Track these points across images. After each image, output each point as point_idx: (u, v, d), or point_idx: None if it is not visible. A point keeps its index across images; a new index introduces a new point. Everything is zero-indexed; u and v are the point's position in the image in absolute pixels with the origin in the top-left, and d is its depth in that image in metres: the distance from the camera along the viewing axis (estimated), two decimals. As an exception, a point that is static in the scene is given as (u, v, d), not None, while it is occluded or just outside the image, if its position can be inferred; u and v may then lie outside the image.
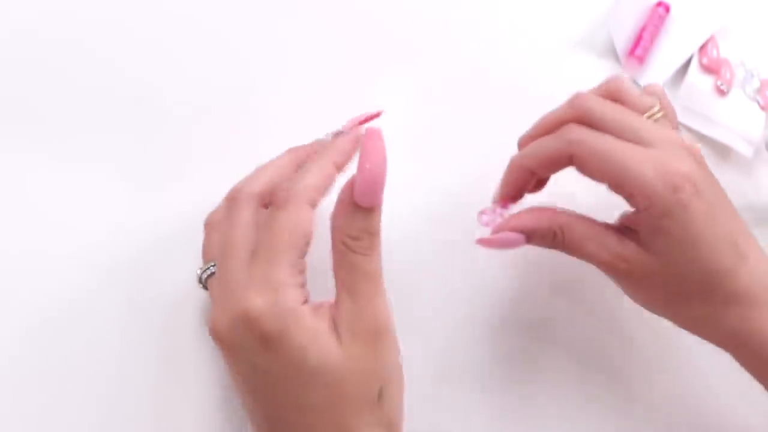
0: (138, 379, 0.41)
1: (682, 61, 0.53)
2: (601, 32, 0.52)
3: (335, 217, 0.34)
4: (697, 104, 0.52)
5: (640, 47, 0.52)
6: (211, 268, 0.37)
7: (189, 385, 0.41)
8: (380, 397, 0.33)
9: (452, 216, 0.45)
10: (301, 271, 0.34)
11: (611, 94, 0.40)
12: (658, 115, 0.39)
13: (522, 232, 0.38)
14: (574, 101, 0.39)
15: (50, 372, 0.41)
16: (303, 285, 0.34)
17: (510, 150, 0.48)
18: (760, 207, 0.52)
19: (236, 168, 0.40)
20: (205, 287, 0.38)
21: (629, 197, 0.37)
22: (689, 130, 0.52)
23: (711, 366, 0.45)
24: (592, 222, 0.39)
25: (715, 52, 0.53)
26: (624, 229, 0.39)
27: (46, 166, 0.44)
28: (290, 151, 0.40)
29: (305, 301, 0.33)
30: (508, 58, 0.51)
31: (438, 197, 0.46)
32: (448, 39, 0.51)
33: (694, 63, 0.53)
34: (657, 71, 0.52)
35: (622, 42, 0.52)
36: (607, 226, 0.39)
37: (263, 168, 0.39)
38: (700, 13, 0.54)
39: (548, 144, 0.38)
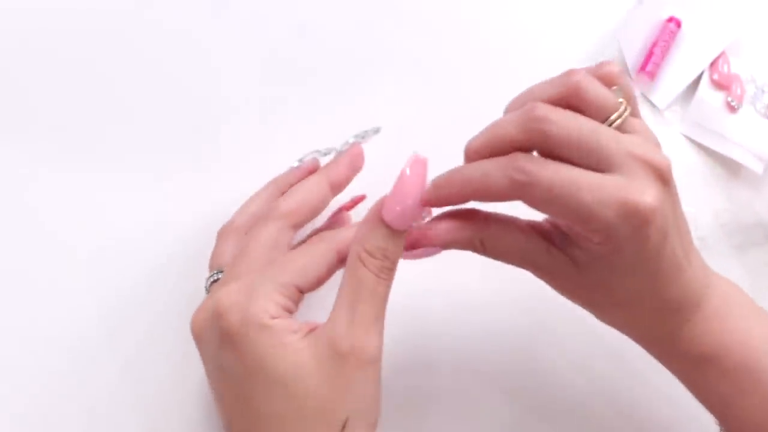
0: (145, 380, 0.41)
1: (693, 76, 0.53)
2: (612, 47, 0.52)
3: (359, 229, 0.33)
4: (708, 120, 0.52)
5: (651, 63, 0.52)
6: (216, 275, 0.37)
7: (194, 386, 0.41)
8: (344, 428, 0.31)
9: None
10: (290, 298, 0.32)
11: (569, 95, 0.33)
12: (626, 114, 0.34)
13: (440, 245, 0.35)
14: (528, 116, 0.33)
15: (57, 374, 0.41)
16: (287, 309, 0.32)
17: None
18: (770, 223, 0.52)
19: (248, 172, 0.42)
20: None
21: (585, 232, 0.33)
22: (699, 146, 0.52)
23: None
24: (516, 229, 0.35)
25: (726, 68, 0.53)
26: (554, 230, 0.35)
27: (52, 168, 0.44)
28: (273, 183, 0.41)
29: (278, 318, 0.32)
30: (518, 72, 0.51)
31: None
32: (456, 52, 0.51)
33: (705, 79, 0.53)
34: (667, 87, 0.52)
35: (633, 57, 0.52)
36: (534, 229, 0.35)
37: (249, 201, 0.41)
38: (712, 29, 0.54)
39: (492, 176, 0.33)
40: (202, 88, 0.47)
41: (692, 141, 0.52)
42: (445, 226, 0.35)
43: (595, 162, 0.32)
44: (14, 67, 0.46)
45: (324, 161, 0.41)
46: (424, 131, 0.48)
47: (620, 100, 0.34)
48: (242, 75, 0.48)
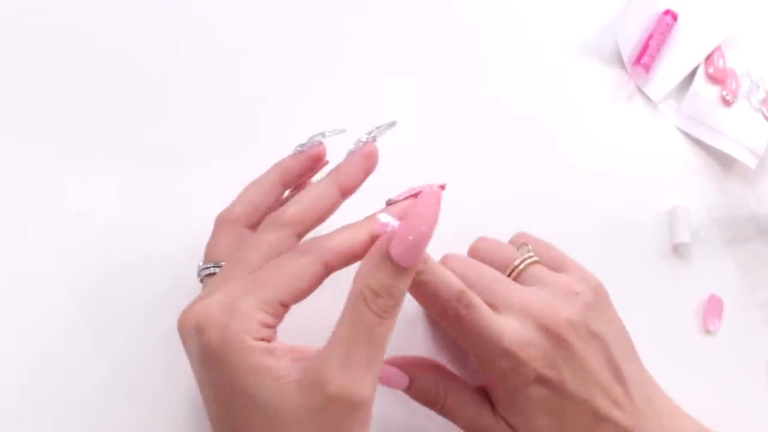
0: (130, 376, 0.41)
1: (689, 70, 0.53)
2: (608, 39, 0.52)
3: (363, 263, 0.31)
4: (702, 114, 0.52)
5: (646, 55, 0.51)
6: (211, 268, 0.37)
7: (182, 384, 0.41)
8: None
9: (457, 223, 0.45)
10: (274, 314, 0.31)
11: (477, 255, 0.41)
12: (524, 263, 0.40)
13: (408, 375, 0.38)
14: (445, 263, 0.39)
15: (47, 372, 0.40)
16: (268, 326, 0.31)
17: (514, 154, 0.48)
18: (763, 218, 0.52)
19: (240, 163, 0.40)
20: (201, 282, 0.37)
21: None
22: (693, 140, 0.52)
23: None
24: (472, 389, 0.39)
25: (721, 62, 0.53)
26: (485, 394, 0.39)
27: (42, 160, 0.44)
28: (275, 168, 0.39)
29: (261, 339, 0.30)
30: (514, 64, 0.51)
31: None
32: (453, 44, 0.50)
33: (700, 72, 0.53)
34: (663, 80, 0.52)
35: (629, 50, 0.52)
36: (484, 393, 0.39)
37: (249, 188, 0.38)
38: (708, 23, 0.53)
39: (446, 292, 0.36)
40: (192, 76, 0.47)
41: (686, 134, 0.52)
42: (415, 364, 0.38)
43: (492, 303, 0.37)
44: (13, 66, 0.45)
45: (329, 144, 0.40)
46: (425, 128, 0.48)
47: (526, 254, 0.40)
48: (239, 69, 0.47)
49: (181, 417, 0.41)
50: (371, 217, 0.33)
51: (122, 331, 0.41)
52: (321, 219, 0.35)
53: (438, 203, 0.30)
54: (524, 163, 0.49)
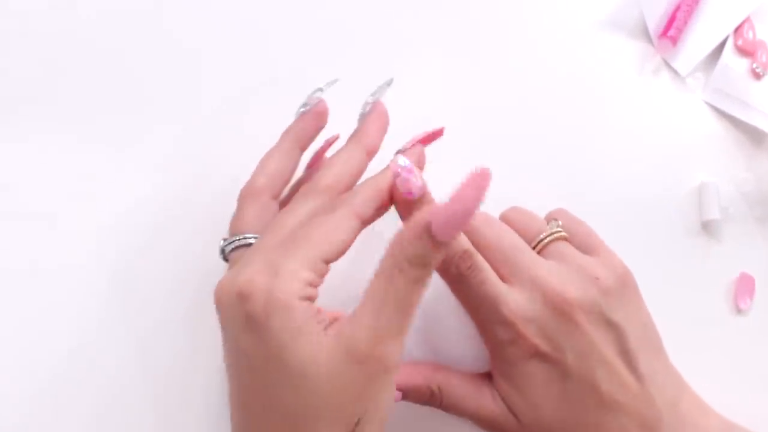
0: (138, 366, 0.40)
1: (717, 42, 0.51)
2: (633, 11, 0.51)
3: (400, 233, 0.31)
4: (731, 87, 0.50)
5: (673, 28, 0.50)
6: (237, 240, 0.36)
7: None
8: (356, 426, 0.31)
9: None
10: (317, 272, 0.31)
11: (506, 223, 0.40)
12: (550, 237, 0.39)
13: (397, 388, 0.37)
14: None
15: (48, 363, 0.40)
16: (312, 284, 0.31)
17: (538, 131, 0.47)
18: (793, 194, 0.50)
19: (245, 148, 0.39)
20: (226, 259, 0.37)
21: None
22: (722, 114, 0.50)
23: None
24: (468, 379, 0.38)
25: (750, 34, 0.51)
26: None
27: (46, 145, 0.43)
28: (287, 134, 0.39)
29: (307, 299, 0.31)
30: (536, 37, 0.50)
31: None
32: (473, 18, 0.49)
33: (729, 45, 0.51)
34: (690, 53, 0.51)
35: (655, 22, 0.51)
36: (483, 381, 0.39)
37: (267, 158, 0.38)
38: (736, -7, 0.52)
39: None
40: (200, 80, 0.46)
41: (715, 108, 0.50)
42: (403, 371, 0.38)
43: (507, 273, 0.37)
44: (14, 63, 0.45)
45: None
46: (446, 102, 0.47)
47: (554, 228, 0.39)
48: (254, 59, 0.47)
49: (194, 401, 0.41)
50: (388, 167, 0.34)
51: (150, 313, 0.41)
52: (353, 182, 0.35)
53: (487, 183, 0.30)
54: (549, 140, 0.48)
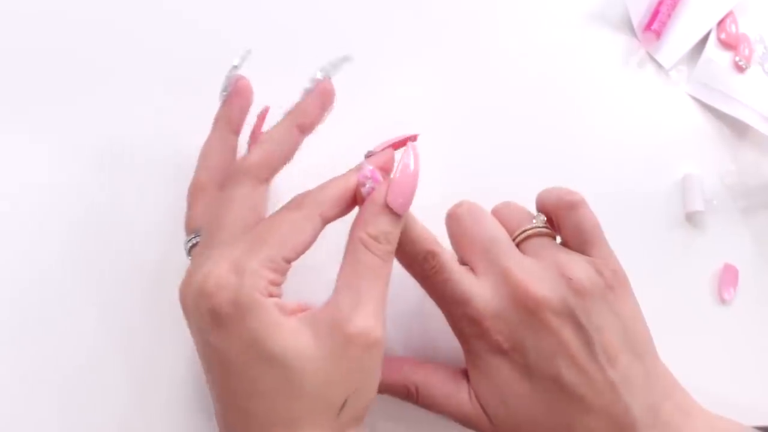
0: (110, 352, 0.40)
1: (700, 36, 0.51)
2: (617, 5, 0.51)
3: (360, 213, 0.33)
4: (715, 80, 0.51)
5: (657, 21, 0.50)
6: (193, 239, 0.36)
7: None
8: (343, 406, 0.31)
9: (466, 194, 0.44)
10: (278, 271, 0.32)
11: (495, 216, 0.39)
12: (530, 231, 0.38)
13: None
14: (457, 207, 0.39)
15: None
16: (275, 283, 0.31)
17: (523, 124, 0.47)
18: (776, 186, 0.51)
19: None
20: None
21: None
22: (706, 106, 0.50)
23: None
24: (449, 377, 0.38)
25: (733, 28, 0.52)
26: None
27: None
28: (217, 122, 0.39)
29: (271, 296, 0.31)
30: (521, 32, 0.50)
31: (459, 175, 0.45)
32: (458, 13, 0.50)
33: (712, 38, 0.51)
34: (674, 46, 0.51)
35: (639, 15, 0.51)
36: (462, 379, 0.38)
37: (204, 152, 0.39)
38: (719, -13, 0.52)
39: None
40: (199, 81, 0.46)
41: (698, 101, 0.50)
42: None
43: (482, 265, 0.37)
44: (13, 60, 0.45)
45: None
46: (434, 97, 0.47)
47: (537, 223, 0.38)
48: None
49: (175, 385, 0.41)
50: (355, 168, 0.35)
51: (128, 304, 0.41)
52: (285, 160, 0.35)
53: (417, 154, 0.34)
54: (534, 134, 0.48)
